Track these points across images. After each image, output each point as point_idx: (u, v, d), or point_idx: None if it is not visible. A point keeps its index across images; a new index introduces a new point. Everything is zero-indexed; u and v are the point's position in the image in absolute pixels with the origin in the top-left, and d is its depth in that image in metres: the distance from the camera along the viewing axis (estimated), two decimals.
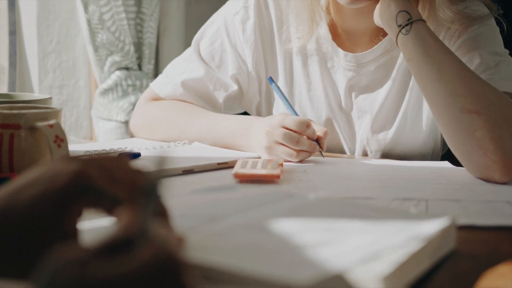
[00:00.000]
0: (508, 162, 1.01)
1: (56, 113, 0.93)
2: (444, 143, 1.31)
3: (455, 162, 1.10)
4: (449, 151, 1.11)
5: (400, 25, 1.12)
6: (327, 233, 0.63)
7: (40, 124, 0.89)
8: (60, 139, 0.88)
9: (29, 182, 0.51)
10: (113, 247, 0.40)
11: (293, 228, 0.64)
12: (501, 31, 1.24)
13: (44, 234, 0.49)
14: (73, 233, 0.51)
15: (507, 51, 1.22)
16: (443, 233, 0.66)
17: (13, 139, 0.89)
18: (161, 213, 0.53)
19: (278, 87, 1.24)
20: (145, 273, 0.39)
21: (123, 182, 0.53)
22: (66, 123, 2.06)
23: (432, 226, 0.65)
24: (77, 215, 0.52)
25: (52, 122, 0.90)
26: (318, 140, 1.14)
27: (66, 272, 0.38)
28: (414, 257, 0.59)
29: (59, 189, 0.51)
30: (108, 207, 0.52)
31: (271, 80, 1.25)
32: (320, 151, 1.14)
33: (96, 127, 2.07)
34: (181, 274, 0.41)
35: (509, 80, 1.15)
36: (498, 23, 1.25)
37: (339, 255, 0.57)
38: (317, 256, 0.56)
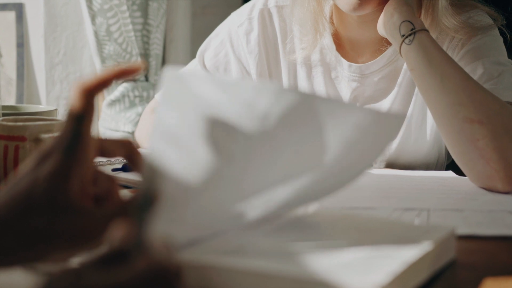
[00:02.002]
0: (510, 172, 1.01)
1: (60, 125, 0.93)
2: (448, 153, 1.31)
3: (460, 171, 1.10)
4: (454, 160, 1.11)
5: (403, 35, 1.12)
6: (323, 245, 0.63)
7: (44, 136, 0.90)
8: None
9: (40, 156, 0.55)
10: (108, 259, 0.41)
11: (288, 239, 0.64)
12: (505, 42, 1.24)
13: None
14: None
15: (511, 61, 1.22)
16: (442, 243, 0.66)
17: (18, 151, 0.90)
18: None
19: None
20: (139, 284, 0.39)
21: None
22: None
23: (431, 236, 0.65)
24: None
25: (56, 134, 0.90)
26: None
27: (61, 283, 0.38)
28: (413, 268, 0.59)
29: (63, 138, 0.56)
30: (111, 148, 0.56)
31: None
32: None
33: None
34: (176, 285, 0.41)
35: None
36: (502, 34, 1.25)
37: (335, 266, 0.57)
38: (313, 268, 0.57)
